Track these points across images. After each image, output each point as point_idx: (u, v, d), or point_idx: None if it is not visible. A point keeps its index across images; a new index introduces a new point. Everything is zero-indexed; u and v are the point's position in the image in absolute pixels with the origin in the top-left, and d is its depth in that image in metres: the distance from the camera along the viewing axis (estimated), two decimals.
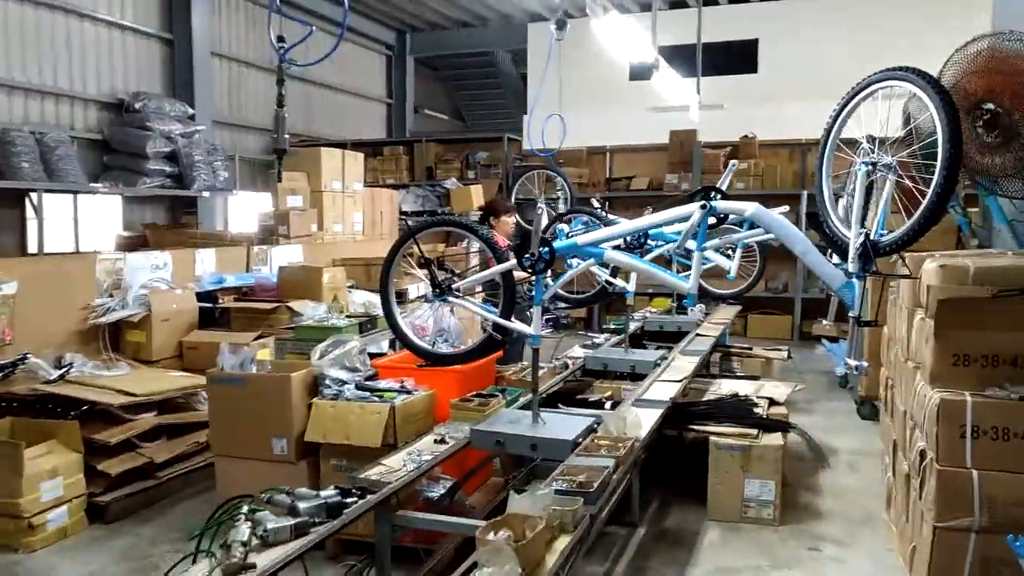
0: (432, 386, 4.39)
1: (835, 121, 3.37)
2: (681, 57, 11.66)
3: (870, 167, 3.11)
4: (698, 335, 6.92)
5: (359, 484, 3.14)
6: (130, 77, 11.22)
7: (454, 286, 3.81)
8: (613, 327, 7.24)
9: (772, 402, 5.43)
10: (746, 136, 12.18)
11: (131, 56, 11.26)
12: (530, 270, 3.56)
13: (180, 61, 11.77)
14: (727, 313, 8.15)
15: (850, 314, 3.22)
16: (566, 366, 5.49)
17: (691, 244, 4.97)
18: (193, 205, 11.80)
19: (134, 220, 11.28)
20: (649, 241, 5.15)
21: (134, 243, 10.41)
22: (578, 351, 6.26)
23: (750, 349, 7.45)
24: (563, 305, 7.58)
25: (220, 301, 6.69)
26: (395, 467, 3.35)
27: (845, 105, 3.30)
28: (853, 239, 3.12)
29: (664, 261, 5.13)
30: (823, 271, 3.24)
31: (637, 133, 13.15)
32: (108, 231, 10.91)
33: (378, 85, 17.90)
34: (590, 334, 6.88)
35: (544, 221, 3.75)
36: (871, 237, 3.08)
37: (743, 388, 5.69)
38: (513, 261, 3.62)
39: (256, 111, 13.86)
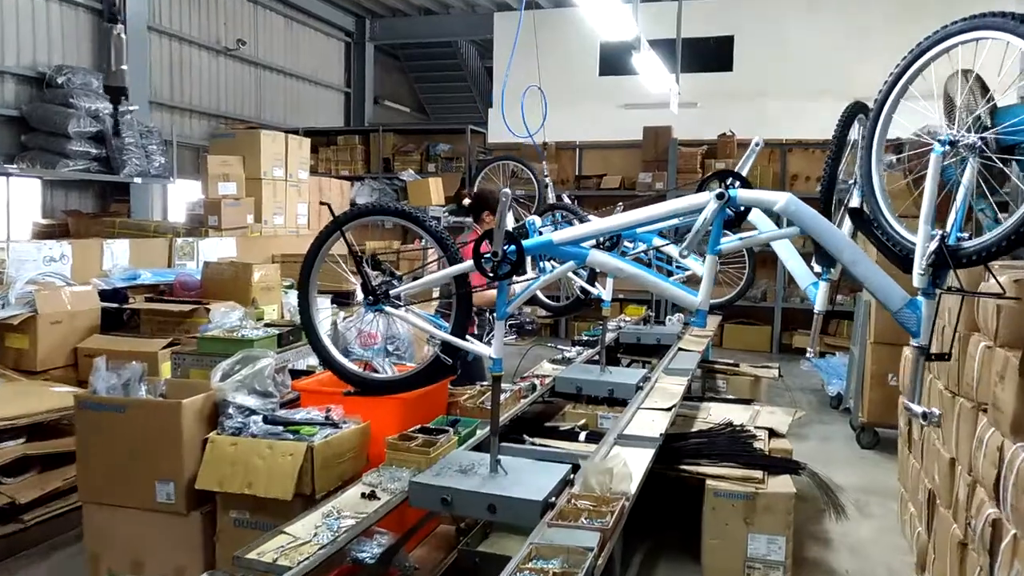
0: (366, 416, 3.52)
1: (891, 89, 2.57)
2: (656, 52, 10.94)
3: (947, 148, 2.31)
4: (681, 350, 6.13)
5: (244, 568, 2.27)
6: (54, 49, 10.14)
7: (392, 292, 2.95)
8: (586, 338, 6.43)
9: (772, 433, 4.65)
10: (724, 134, 11.48)
11: (56, 26, 10.18)
12: (491, 274, 2.72)
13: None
14: (709, 324, 7.37)
15: (913, 343, 2.43)
16: (533, 387, 4.64)
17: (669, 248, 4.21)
18: (126, 192, 10.76)
19: (56, 207, 10.22)
20: (625, 242, 4.39)
21: (54, 232, 9.38)
22: (547, 367, 5.42)
23: (736, 366, 6.69)
24: (542, 313, 6.78)
25: (131, 301, 5.74)
26: (302, 537, 2.48)
27: (908, 67, 2.50)
28: (921, 244, 2.32)
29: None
30: (879, 285, 2.45)
31: (607, 131, 12.43)
32: (25, 218, 9.84)
33: (336, 73, 16.93)
34: (559, 347, 6.03)
35: (509, 211, 2.90)
36: (948, 241, 2.29)
37: (736, 415, 4.90)
38: (469, 262, 2.78)
39: (201, 93, 12.85)
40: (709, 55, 13.75)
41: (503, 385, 4.52)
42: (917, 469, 4.06)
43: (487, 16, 15.46)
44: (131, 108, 10.11)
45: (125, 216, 9.86)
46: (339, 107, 17.18)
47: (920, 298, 2.38)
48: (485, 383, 4.50)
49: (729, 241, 2.88)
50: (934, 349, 2.50)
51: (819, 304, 3.10)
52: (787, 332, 10.86)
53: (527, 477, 2.85)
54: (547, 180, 5.86)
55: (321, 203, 2.91)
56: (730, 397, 6.00)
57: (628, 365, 7.01)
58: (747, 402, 5.52)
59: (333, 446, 3.17)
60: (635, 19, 6.21)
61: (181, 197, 11.70)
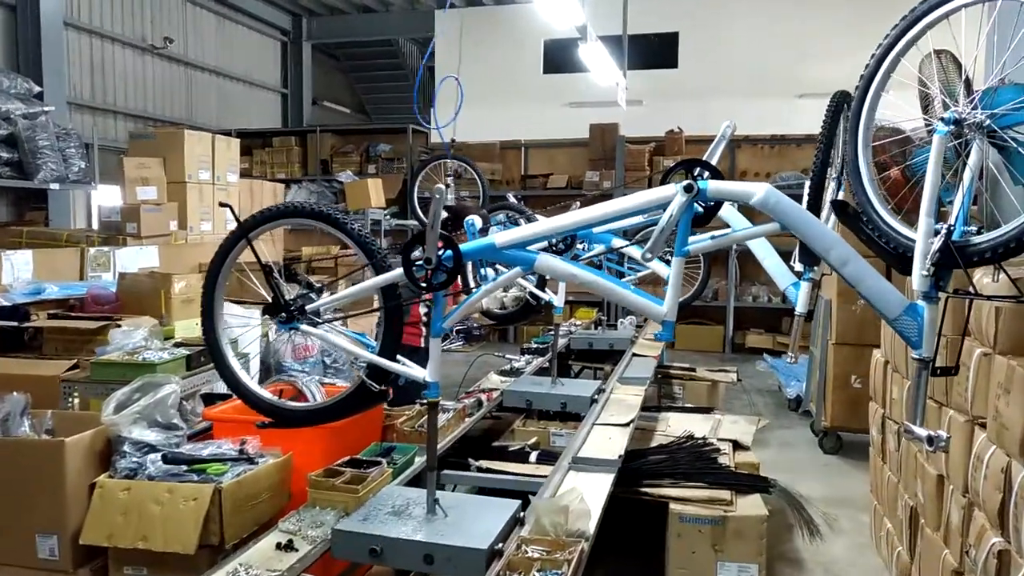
0: (288, 447, 3.09)
1: (879, 64, 2.24)
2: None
3: (952, 128, 1.99)
4: (635, 355, 5.80)
5: None
6: None
7: (309, 307, 2.53)
8: (535, 346, 6.06)
9: (737, 445, 4.34)
10: (672, 130, 11.25)
11: None
12: (423, 284, 2.32)
13: (24, 31, 9.99)
14: None
15: (913, 355, 2.10)
16: (479, 404, 4.25)
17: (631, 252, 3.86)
18: (44, 200, 10.05)
19: None
20: (578, 243, 4.05)
21: None
22: (494, 379, 5.05)
23: (693, 370, 6.39)
24: (487, 322, 6.39)
25: (34, 318, 5.17)
26: None
27: (900, 36, 2.17)
28: (923, 240, 2.00)
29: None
30: (874, 289, 2.11)
31: (553, 129, 12.17)
32: None
33: (272, 73, 16.29)
34: (508, 356, 5.66)
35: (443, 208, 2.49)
36: (953, 236, 1.97)
37: (697, 427, 4.58)
38: (397, 271, 2.38)
39: (126, 93, 12.15)
40: (654, 52, 13.56)
41: (446, 403, 4.14)
42: (894, 483, 3.77)
43: (428, 14, 15.04)
44: (46, 109, 9.44)
45: (42, 225, 9.18)
46: (276, 108, 16.55)
47: (921, 303, 2.06)
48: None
49: (700, 241, 2.53)
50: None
51: (800, 305, 2.80)
52: (740, 331, 10.66)
53: (470, 519, 2.46)
54: (448, 180, 5.47)
55: (221, 204, 2.49)
56: (689, 406, 5.69)
57: (580, 372, 6.68)
58: (707, 411, 5.22)
59: (246, 486, 2.73)
60: (582, 7, 5.86)
61: (107, 204, 11.03)
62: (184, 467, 2.73)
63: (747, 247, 2.91)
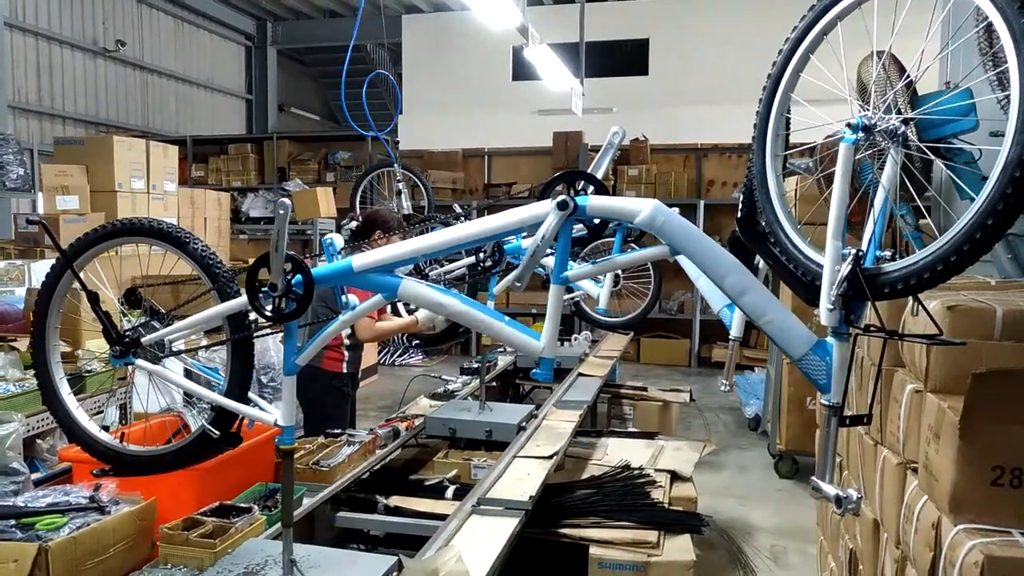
0: (154, 490, 2.76)
1: (787, 60, 1.95)
2: (567, 56, 10.42)
3: (860, 135, 1.69)
4: (581, 375, 5.50)
5: None
6: None
7: (147, 339, 2.21)
8: (476, 366, 5.73)
9: (675, 476, 4.04)
10: (637, 139, 10.98)
11: None
12: (270, 314, 2.01)
13: None
14: (617, 343, 6.78)
15: (822, 400, 1.81)
16: (395, 434, 3.92)
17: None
18: None
19: None
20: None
21: None
22: (423, 404, 4.74)
23: (644, 390, 6.07)
24: (416, 342, 6.07)
25: None
26: None
27: (808, 29, 1.89)
28: (830, 267, 1.71)
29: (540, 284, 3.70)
30: (776, 323, 1.82)
31: (521, 137, 11.90)
32: None
33: (236, 78, 15.94)
34: (444, 377, 5.34)
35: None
36: (863, 263, 1.67)
37: (637, 455, 4.28)
38: (242, 298, 2.06)
39: (76, 98, 11.77)
40: (624, 59, 13.35)
41: (356, 432, 3.82)
42: (836, 520, 3.48)
43: (395, 19, 14.73)
44: None
45: None
46: (240, 114, 16.19)
47: (830, 340, 1.76)
48: (336, 431, 3.77)
49: (582, 269, 2.22)
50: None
51: (735, 329, 2.53)
52: (706, 344, 10.38)
53: None
54: (399, 186, 5.17)
55: (30, 221, 2.16)
56: (633, 430, 5.38)
57: (530, 392, 6.38)
58: (651, 436, 4.90)
59: (85, 542, 2.39)
60: (521, 11, 5.57)
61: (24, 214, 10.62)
62: (12, 522, 2.38)
63: None
